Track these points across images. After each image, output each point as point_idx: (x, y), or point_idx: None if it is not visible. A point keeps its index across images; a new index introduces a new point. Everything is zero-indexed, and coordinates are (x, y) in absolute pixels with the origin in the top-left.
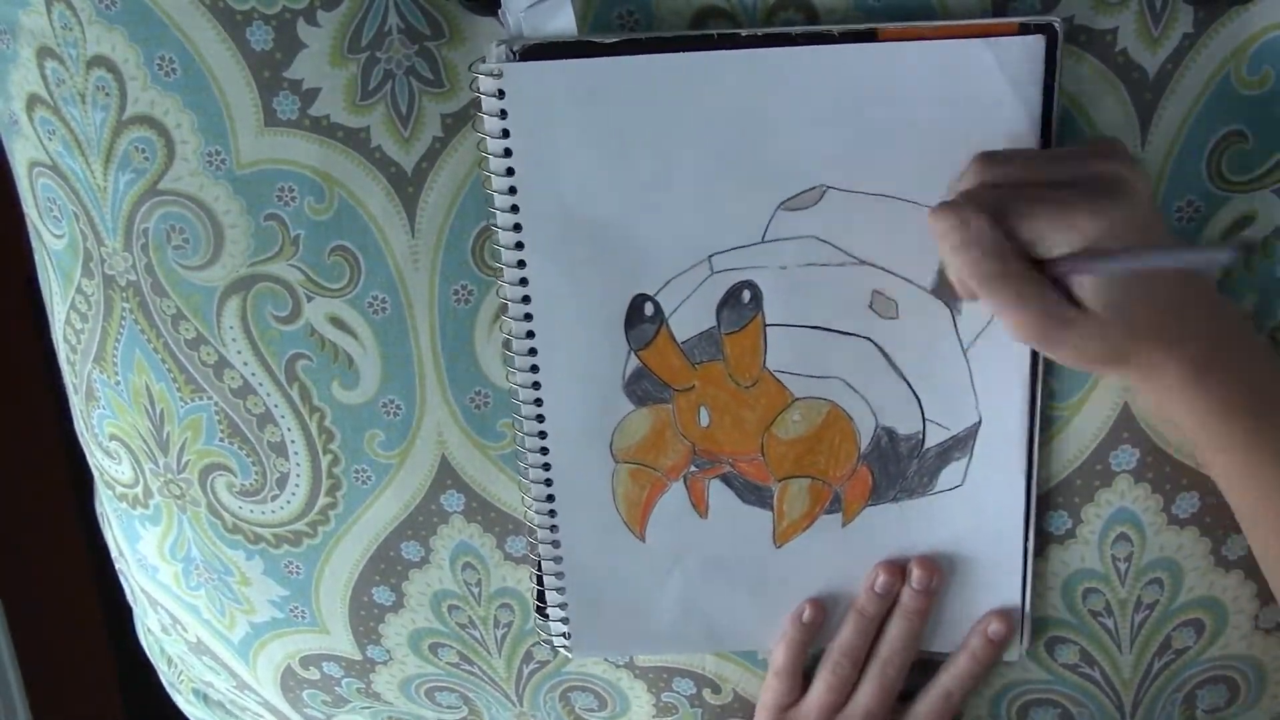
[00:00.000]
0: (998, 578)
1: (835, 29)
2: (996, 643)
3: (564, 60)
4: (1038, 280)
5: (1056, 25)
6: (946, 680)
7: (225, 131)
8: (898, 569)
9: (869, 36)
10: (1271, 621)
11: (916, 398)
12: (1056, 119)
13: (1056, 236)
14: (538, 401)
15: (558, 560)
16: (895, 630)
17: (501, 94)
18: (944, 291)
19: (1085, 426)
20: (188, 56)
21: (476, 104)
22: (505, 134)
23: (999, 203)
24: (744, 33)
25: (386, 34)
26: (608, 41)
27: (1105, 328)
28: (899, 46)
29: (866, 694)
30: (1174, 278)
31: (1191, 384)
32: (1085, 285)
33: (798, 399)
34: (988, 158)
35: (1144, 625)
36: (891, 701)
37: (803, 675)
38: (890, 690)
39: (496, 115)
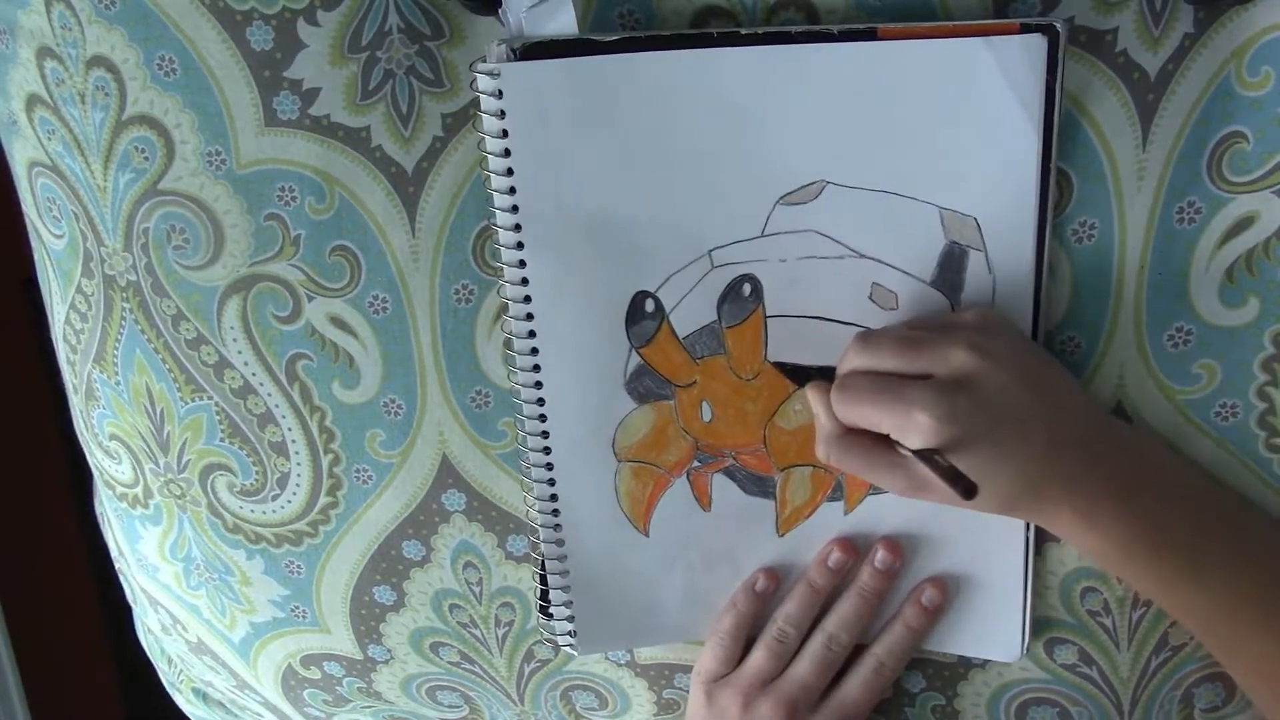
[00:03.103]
0: (999, 572)
1: (835, 28)
2: (931, 610)
3: (561, 59)
4: (887, 462)
5: (1058, 26)
6: (879, 651)
7: (225, 131)
8: (852, 547)
9: (869, 35)
10: None
11: None
12: (1058, 119)
13: (901, 436)
14: (540, 401)
15: (562, 559)
16: (847, 606)
17: (500, 94)
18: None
19: None
20: (188, 56)
21: (476, 103)
22: (504, 134)
23: (859, 392)
24: (744, 31)
25: (387, 34)
26: (607, 40)
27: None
28: (900, 45)
29: (805, 666)
30: (1047, 435)
31: (1084, 531)
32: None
33: (798, 389)
34: (863, 340)
35: (1141, 622)
36: (829, 677)
37: (742, 648)
38: (830, 667)
39: (495, 115)
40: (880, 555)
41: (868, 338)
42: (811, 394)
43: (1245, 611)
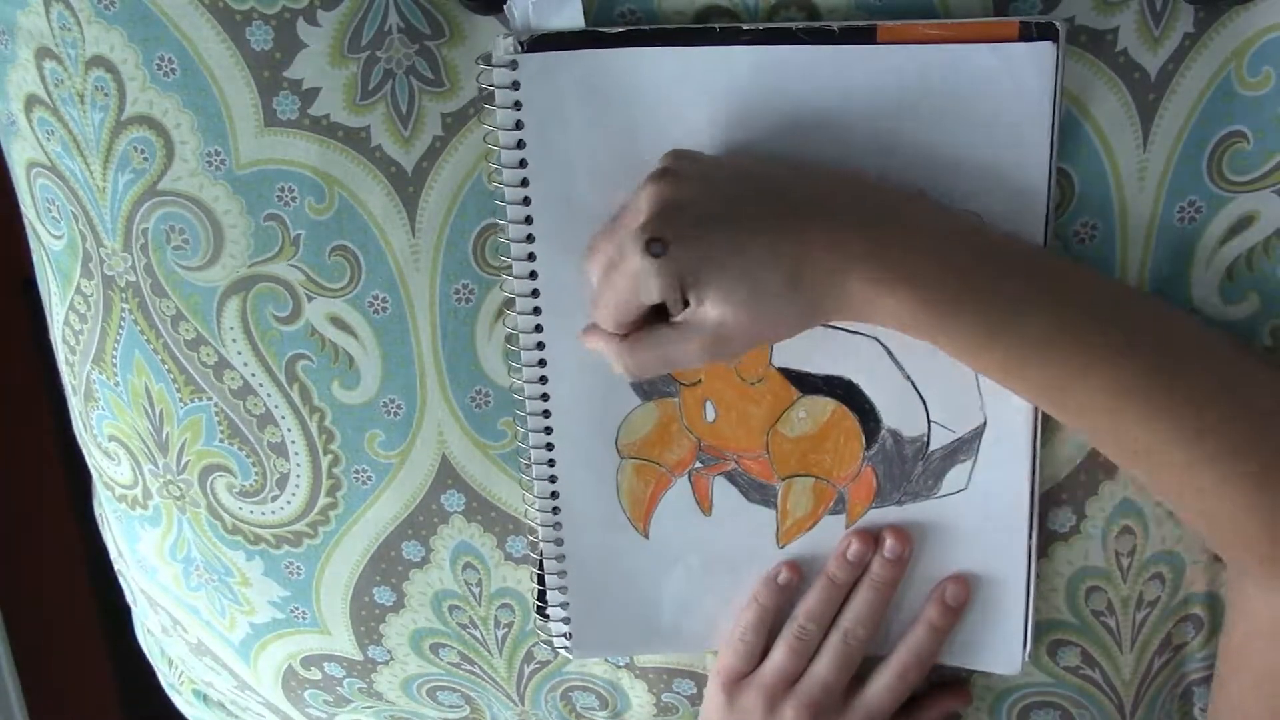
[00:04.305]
0: (1002, 584)
1: (836, 25)
2: (955, 609)
3: (578, 51)
4: (671, 337)
5: (1059, 26)
6: (903, 653)
7: (225, 131)
8: (871, 538)
9: (869, 32)
10: None
11: (921, 400)
12: (1058, 119)
13: (644, 293)
14: (544, 396)
15: (560, 558)
16: (861, 600)
17: (516, 85)
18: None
19: None
20: (187, 56)
21: (486, 98)
22: (519, 125)
23: (602, 294)
24: (745, 26)
25: (386, 33)
26: (613, 33)
27: (749, 320)
28: (904, 49)
29: (825, 664)
30: (777, 209)
31: (883, 290)
32: (703, 306)
33: (803, 396)
34: (587, 251)
35: (1145, 623)
36: (849, 675)
37: (764, 645)
38: (850, 663)
39: (510, 107)
40: (889, 544)
41: (588, 247)
42: (585, 338)
43: (1077, 348)
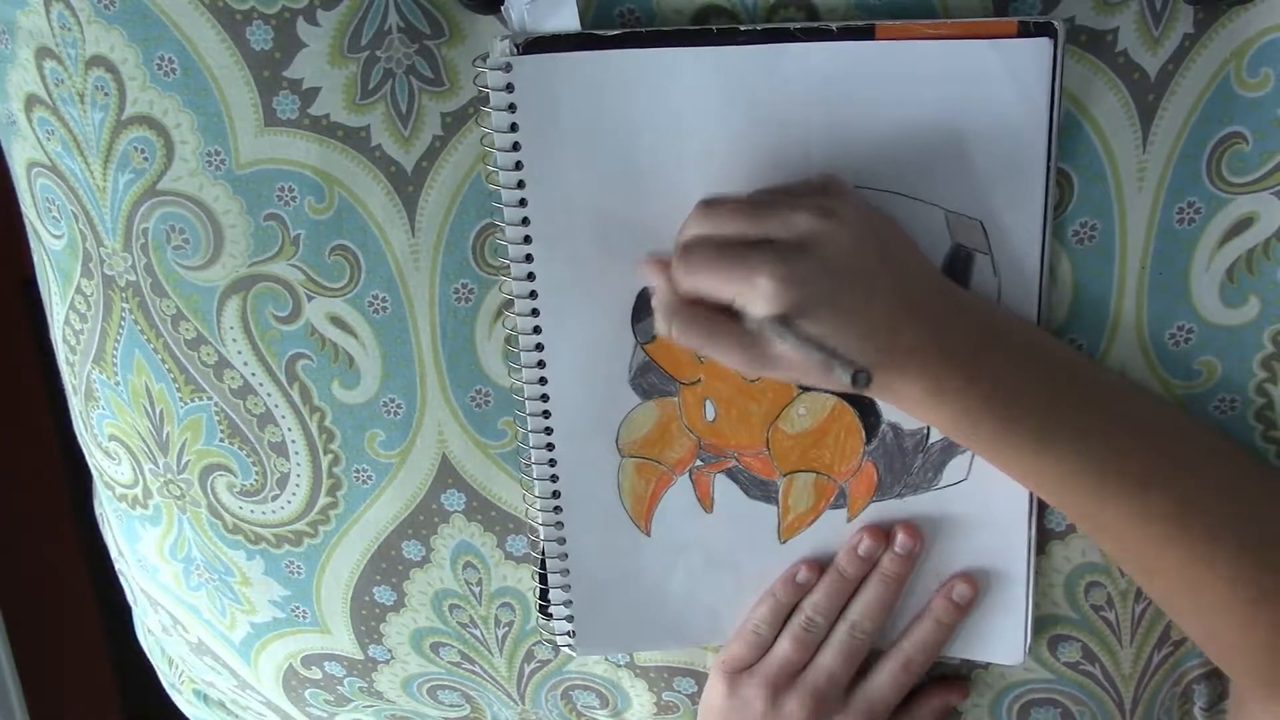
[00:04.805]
0: (1003, 573)
1: (834, 25)
2: (962, 605)
3: (572, 53)
4: (730, 332)
5: (1057, 25)
6: (908, 647)
7: (225, 131)
8: (882, 533)
9: (867, 31)
10: None
11: None
12: (1058, 119)
13: (745, 303)
14: (544, 397)
15: (563, 557)
16: (870, 593)
17: (510, 88)
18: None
19: None
20: (187, 56)
21: (482, 99)
22: (514, 128)
23: (699, 260)
24: (743, 27)
25: (386, 33)
26: (609, 35)
27: (805, 370)
28: (904, 45)
29: (830, 656)
30: (892, 299)
31: (933, 401)
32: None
33: (803, 392)
34: (707, 206)
35: (1144, 616)
36: (854, 668)
37: (773, 639)
38: (855, 655)
39: (505, 109)
40: (900, 539)
41: (710, 203)
42: (650, 269)
43: (1100, 480)
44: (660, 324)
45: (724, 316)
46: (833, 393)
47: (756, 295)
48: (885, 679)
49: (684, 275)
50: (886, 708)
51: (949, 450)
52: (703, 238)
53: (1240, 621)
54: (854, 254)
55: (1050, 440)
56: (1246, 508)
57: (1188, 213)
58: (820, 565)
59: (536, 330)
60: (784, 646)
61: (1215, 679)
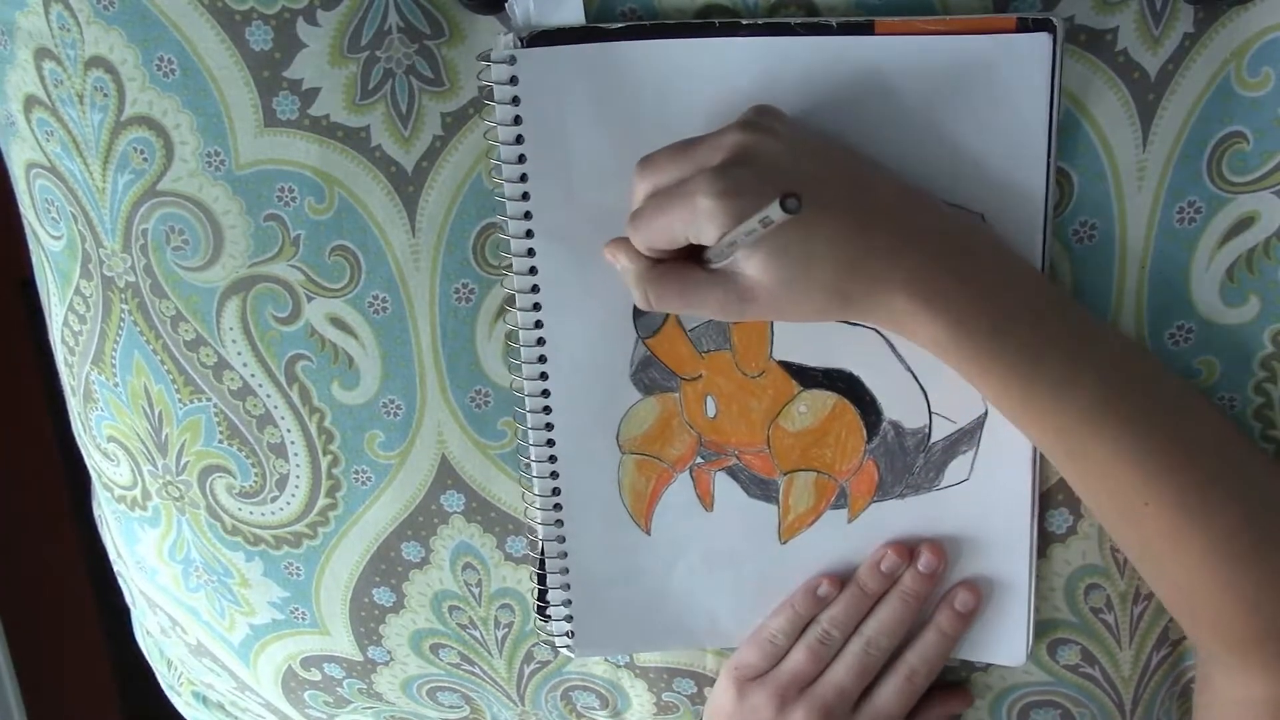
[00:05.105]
0: (1005, 575)
1: (834, 20)
2: (965, 615)
3: (576, 45)
4: (700, 280)
5: (1056, 23)
6: (912, 659)
7: (224, 132)
8: (906, 550)
9: (867, 27)
10: None
11: (922, 390)
12: (1057, 117)
13: (695, 232)
14: (545, 392)
15: (562, 555)
16: (888, 611)
17: (514, 81)
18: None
19: None
20: (186, 57)
21: (486, 94)
22: (517, 120)
23: (646, 213)
24: (744, 22)
25: (386, 33)
26: (614, 28)
27: (782, 294)
28: (903, 41)
29: (842, 670)
30: (851, 202)
31: (924, 315)
32: (747, 263)
33: (804, 390)
34: (643, 164)
35: (1143, 617)
36: (865, 683)
37: (788, 649)
38: (868, 671)
39: (509, 103)
40: (925, 559)
41: (644, 160)
42: (610, 250)
43: (1097, 413)
44: (637, 297)
45: (692, 266)
46: (835, 391)
47: (702, 219)
48: (890, 693)
49: (638, 232)
50: None
51: (951, 449)
52: (646, 194)
53: (1225, 578)
54: (792, 156)
55: (1042, 361)
56: (1240, 461)
57: (1188, 212)
58: (841, 580)
59: (538, 325)
60: (797, 657)
61: None
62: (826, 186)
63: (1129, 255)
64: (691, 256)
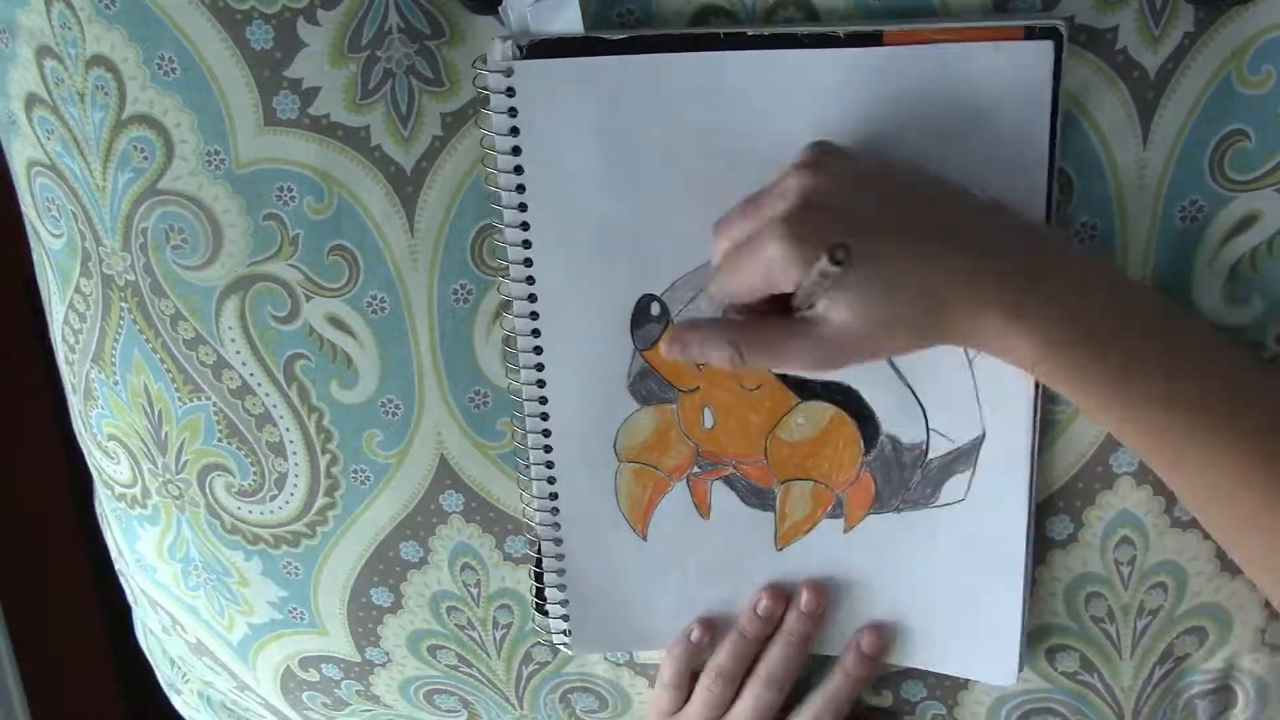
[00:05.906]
0: (997, 595)
1: (841, 30)
2: (872, 657)
3: (575, 59)
4: (783, 330)
5: (1060, 28)
6: (819, 701)
7: (225, 131)
8: (782, 595)
9: (874, 37)
10: (1279, 638)
11: (921, 406)
12: (1059, 119)
13: (771, 280)
14: (542, 400)
15: (559, 558)
16: (776, 653)
17: (511, 91)
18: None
19: (1085, 429)
20: (187, 56)
21: (481, 101)
22: (514, 132)
23: (728, 271)
24: (750, 31)
25: (386, 33)
26: (614, 39)
27: (873, 332)
28: (906, 50)
29: (742, 711)
30: (922, 229)
31: (1014, 328)
32: (832, 310)
33: (802, 402)
34: (717, 226)
35: (1146, 632)
36: (769, 718)
37: (687, 692)
38: (767, 709)
39: (505, 113)
40: (806, 599)
41: (719, 222)
42: (680, 335)
43: (1184, 416)
44: (724, 357)
45: (779, 318)
46: (833, 403)
47: (775, 267)
48: None
49: (721, 289)
50: None
51: (948, 468)
52: (724, 252)
53: None
54: (854, 191)
55: (1131, 367)
56: None
57: (1189, 211)
58: (713, 624)
59: (535, 334)
60: (696, 705)
61: (1218, 695)
62: (890, 216)
63: (1130, 255)
64: (774, 308)
